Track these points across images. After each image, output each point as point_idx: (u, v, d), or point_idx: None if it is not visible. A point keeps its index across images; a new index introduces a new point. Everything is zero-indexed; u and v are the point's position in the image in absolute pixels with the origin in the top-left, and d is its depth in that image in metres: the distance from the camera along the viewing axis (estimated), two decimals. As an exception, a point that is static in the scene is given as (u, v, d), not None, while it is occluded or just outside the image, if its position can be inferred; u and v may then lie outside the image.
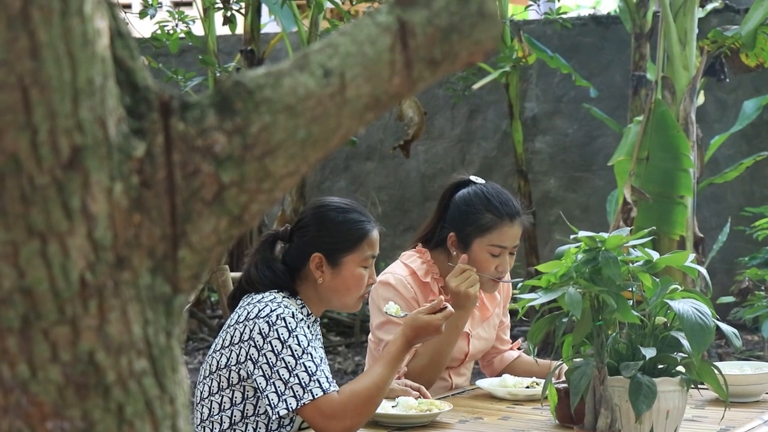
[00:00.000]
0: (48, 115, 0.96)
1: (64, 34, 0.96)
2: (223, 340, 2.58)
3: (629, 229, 2.59)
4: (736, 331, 2.48)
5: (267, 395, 2.48)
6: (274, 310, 2.53)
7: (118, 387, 1.00)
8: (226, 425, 2.58)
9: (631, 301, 2.39)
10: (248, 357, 2.52)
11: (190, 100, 1.04)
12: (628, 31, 6.56)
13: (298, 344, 2.49)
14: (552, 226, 7.54)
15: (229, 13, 6.16)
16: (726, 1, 6.92)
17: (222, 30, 6.93)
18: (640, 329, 2.43)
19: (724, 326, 2.45)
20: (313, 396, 2.45)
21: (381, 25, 1.06)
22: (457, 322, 3.02)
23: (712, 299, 2.54)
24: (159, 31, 5.98)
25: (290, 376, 2.47)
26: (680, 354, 2.42)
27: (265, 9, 7.02)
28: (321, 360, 2.53)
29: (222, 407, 2.58)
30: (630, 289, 2.41)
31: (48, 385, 0.98)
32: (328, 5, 5.78)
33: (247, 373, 2.53)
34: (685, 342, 2.36)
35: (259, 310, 2.53)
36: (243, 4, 6.44)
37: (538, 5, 6.69)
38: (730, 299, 5.72)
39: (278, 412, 2.46)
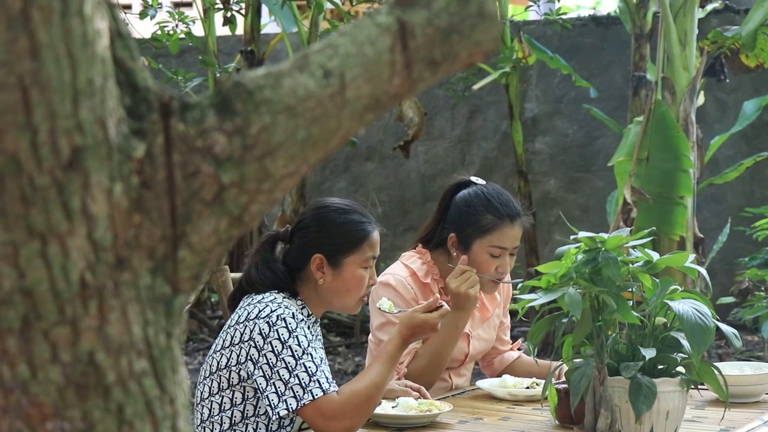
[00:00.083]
0: (48, 116, 0.96)
1: (64, 34, 0.96)
2: (224, 341, 2.58)
3: (629, 229, 2.60)
4: (736, 331, 2.48)
5: (267, 396, 2.48)
6: (275, 310, 2.53)
7: (118, 387, 1.00)
8: (226, 426, 2.58)
9: (631, 302, 2.39)
10: (248, 357, 2.52)
11: (190, 101, 1.04)
12: (628, 31, 6.56)
13: (299, 345, 2.49)
14: (552, 226, 7.54)
15: (229, 14, 6.16)
16: (726, 1, 6.92)
17: (222, 30, 6.93)
18: (640, 330, 2.43)
19: (724, 327, 2.45)
20: (313, 396, 2.45)
21: (381, 25, 1.06)
22: (458, 323, 3.02)
23: (712, 300, 2.54)
24: (159, 32, 5.98)
25: (290, 376, 2.47)
26: (680, 354, 2.42)
27: (265, 9, 7.03)
28: (321, 360, 2.53)
29: (222, 408, 2.58)
30: (630, 289, 2.41)
31: (48, 385, 0.98)
32: (328, 6, 5.78)
33: (248, 373, 2.53)
34: (685, 342, 2.36)
35: (260, 311, 2.53)
36: (243, 5, 6.44)
37: (538, 6, 6.69)
38: (730, 300, 5.72)
39: (278, 412, 2.46)
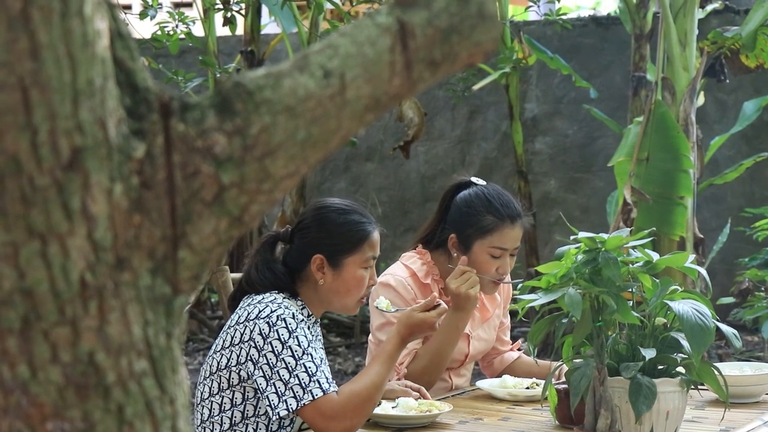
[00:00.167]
0: (48, 116, 0.96)
1: (65, 35, 0.96)
2: (224, 341, 2.58)
3: (629, 229, 2.60)
4: (736, 331, 2.49)
5: (267, 396, 2.48)
6: (275, 311, 2.53)
7: (118, 388, 1.00)
8: (226, 426, 2.58)
9: (631, 302, 2.39)
10: (248, 358, 2.52)
11: (190, 101, 1.05)
12: (628, 32, 6.56)
13: (299, 345, 2.49)
14: (552, 227, 7.54)
15: (229, 14, 6.16)
16: (726, 2, 6.92)
17: (222, 31, 6.93)
18: (640, 330, 2.43)
19: (724, 327, 2.45)
20: (313, 396, 2.45)
21: (381, 26, 1.06)
22: (458, 324, 3.02)
23: (712, 300, 2.54)
24: (159, 32, 5.98)
25: (290, 376, 2.47)
26: (680, 355, 2.42)
27: (265, 10, 7.03)
28: (321, 361, 2.53)
29: (222, 408, 2.58)
30: (630, 289, 2.41)
31: (48, 385, 0.98)
32: (328, 6, 5.78)
33: (248, 373, 2.53)
34: (685, 343, 2.36)
35: (260, 311, 2.54)
36: (243, 5, 6.44)
37: (539, 6, 6.69)
38: (730, 300, 5.72)
39: (278, 412, 2.46)
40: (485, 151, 7.88)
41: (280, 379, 2.47)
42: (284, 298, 2.61)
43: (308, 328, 2.61)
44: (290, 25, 6.66)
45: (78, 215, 0.98)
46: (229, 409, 2.57)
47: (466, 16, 1.06)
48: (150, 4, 5.77)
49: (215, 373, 2.58)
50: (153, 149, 1.02)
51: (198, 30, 6.67)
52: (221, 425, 2.58)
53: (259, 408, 2.56)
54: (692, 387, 2.44)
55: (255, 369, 2.50)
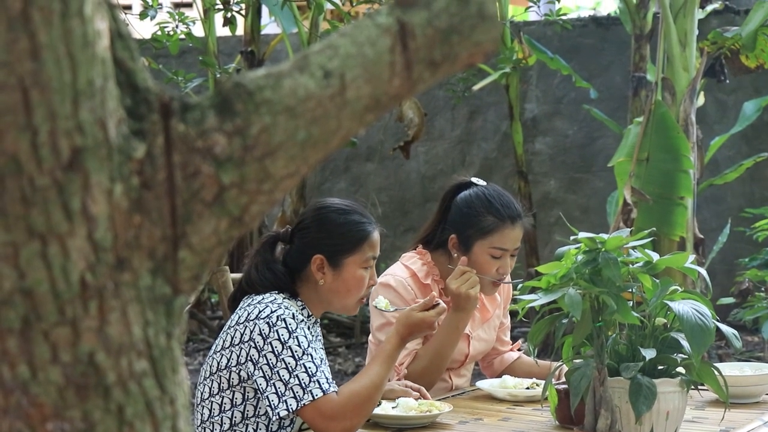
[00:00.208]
0: (48, 117, 0.96)
1: (65, 35, 0.96)
2: (224, 342, 2.58)
3: (629, 230, 2.60)
4: (736, 332, 2.49)
5: (267, 396, 2.48)
6: (275, 311, 2.53)
7: (118, 388, 1.00)
8: (226, 426, 2.58)
9: (631, 302, 2.39)
10: (248, 358, 2.52)
11: (190, 102, 1.05)
12: (628, 32, 6.56)
13: (299, 345, 2.49)
14: (552, 227, 7.54)
15: (229, 15, 6.16)
16: (726, 2, 6.92)
17: (222, 31, 6.93)
18: (640, 330, 2.43)
19: (724, 327, 2.45)
20: (312, 397, 2.45)
21: (381, 26, 1.06)
22: (458, 324, 3.02)
23: (712, 300, 2.54)
24: (159, 32, 5.98)
25: (290, 377, 2.47)
26: (680, 355, 2.42)
27: (265, 10, 7.03)
28: (321, 361, 2.53)
29: (222, 408, 2.58)
30: (630, 290, 2.41)
31: (48, 386, 0.98)
32: (329, 6, 5.78)
33: (248, 374, 2.53)
34: (685, 343, 2.37)
35: (260, 312, 2.54)
36: (243, 6, 6.44)
37: (539, 6, 6.69)
38: (730, 300, 5.72)
39: (278, 413, 2.46)
40: (485, 152, 7.88)
41: (280, 380, 2.47)
42: (284, 298, 2.61)
43: (308, 328, 2.61)
44: (290, 25, 6.66)
45: (78, 216, 0.98)
46: (229, 410, 2.57)
47: (466, 17, 1.06)
48: (150, 4, 5.77)
49: (215, 373, 2.58)
50: (153, 149, 1.02)
51: (198, 30, 6.68)
52: (221, 425, 2.58)
53: (259, 408, 2.56)
54: (692, 387, 2.44)
55: (255, 369, 2.50)
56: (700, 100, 6.02)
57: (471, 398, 3.07)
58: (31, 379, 0.98)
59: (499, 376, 3.25)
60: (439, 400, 2.89)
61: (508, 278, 3.18)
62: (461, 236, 3.12)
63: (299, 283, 2.67)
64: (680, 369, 2.43)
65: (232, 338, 2.55)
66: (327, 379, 2.50)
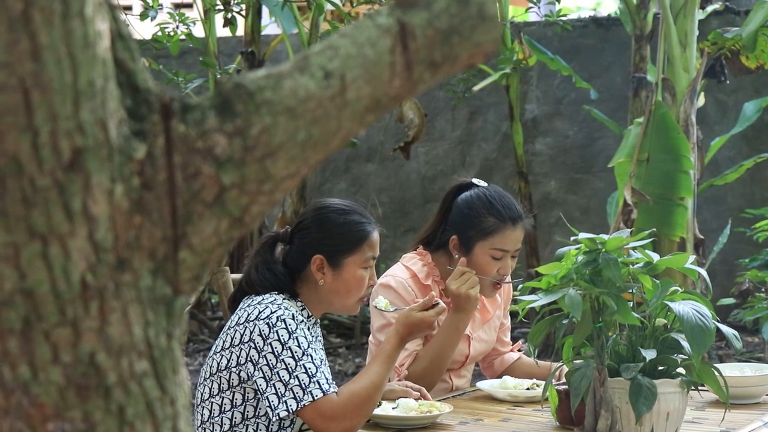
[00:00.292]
0: (49, 117, 0.96)
1: (66, 36, 0.96)
2: (224, 342, 2.58)
3: (629, 230, 2.60)
4: (736, 332, 2.49)
5: (267, 397, 2.48)
6: (275, 311, 2.53)
7: (119, 388, 1.00)
8: (226, 427, 2.58)
9: (632, 303, 2.40)
10: (248, 359, 2.52)
11: (190, 102, 1.05)
12: (628, 32, 6.56)
13: (298, 346, 2.49)
14: (552, 227, 7.54)
15: (229, 15, 6.16)
16: (726, 2, 6.93)
17: (222, 32, 6.93)
18: (641, 331, 2.43)
19: (724, 328, 2.45)
20: (312, 397, 2.45)
21: (381, 27, 1.06)
22: (458, 325, 3.02)
23: (713, 301, 2.54)
24: (159, 33, 5.98)
25: (290, 377, 2.47)
26: (680, 356, 2.42)
27: (265, 11, 7.03)
28: (321, 362, 2.53)
29: (222, 409, 2.58)
30: (630, 290, 2.41)
31: (49, 386, 0.98)
32: (329, 7, 5.78)
33: (248, 374, 2.53)
34: (685, 343, 2.37)
35: (260, 312, 2.54)
36: (243, 6, 6.44)
37: (539, 7, 6.69)
38: (730, 301, 5.72)
39: (278, 413, 2.46)
40: (485, 152, 7.88)
41: (280, 380, 2.47)
42: (284, 299, 2.61)
43: (308, 329, 2.61)
44: (291, 25, 6.66)
45: (79, 216, 0.98)
46: (229, 410, 2.57)
47: (466, 17, 1.06)
48: (150, 5, 5.77)
49: (215, 374, 2.58)
50: (154, 150, 1.02)
51: (198, 31, 6.68)
52: (221, 426, 2.58)
53: (259, 409, 2.56)
54: (692, 388, 2.44)
55: (255, 370, 2.50)
56: (701, 100, 6.02)
57: (471, 399, 3.07)
58: (32, 380, 0.98)
59: (500, 376, 3.25)
60: (439, 400, 2.89)
61: (507, 278, 3.18)
62: (462, 237, 3.12)
63: (299, 283, 2.67)
64: (680, 370, 2.43)
65: (232, 339, 2.55)
66: (327, 379, 2.50)
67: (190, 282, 1.05)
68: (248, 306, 2.58)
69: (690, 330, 2.30)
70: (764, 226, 4.59)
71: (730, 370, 2.97)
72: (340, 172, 8.23)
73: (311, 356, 2.49)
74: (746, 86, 7.10)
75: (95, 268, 0.99)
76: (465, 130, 7.94)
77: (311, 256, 2.64)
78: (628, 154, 5.66)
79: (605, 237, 2.36)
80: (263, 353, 2.49)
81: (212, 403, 2.59)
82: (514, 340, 3.49)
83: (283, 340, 2.49)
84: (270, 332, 2.50)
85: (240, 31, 6.87)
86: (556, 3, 6.69)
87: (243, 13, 6.52)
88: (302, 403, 2.45)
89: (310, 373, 2.47)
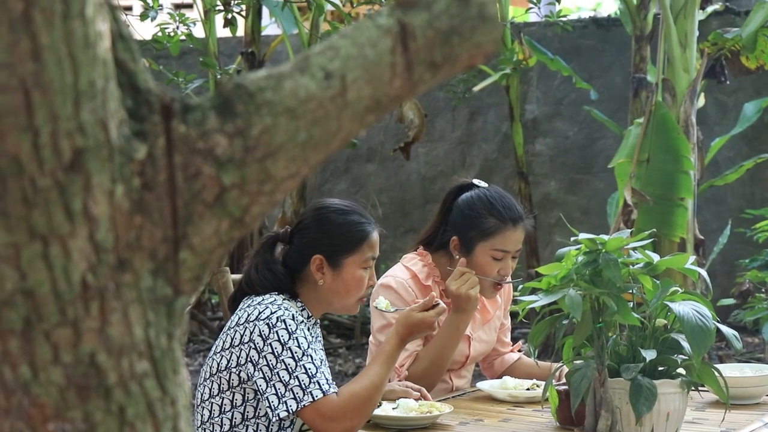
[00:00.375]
0: (50, 118, 0.96)
1: (66, 36, 0.96)
2: (224, 342, 2.58)
3: (630, 231, 2.60)
4: (736, 333, 2.49)
5: (267, 397, 2.48)
6: (275, 312, 2.53)
7: (119, 389, 1.00)
8: (226, 427, 2.58)
9: (632, 303, 2.40)
10: (248, 359, 2.52)
11: (191, 103, 1.05)
12: (628, 33, 6.56)
13: (298, 346, 2.49)
14: (552, 228, 7.54)
15: (229, 16, 6.16)
16: (726, 3, 6.93)
17: (223, 32, 6.93)
18: (641, 331, 2.43)
19: (724, 328, 2.45)
20: (312, 398, 2.45)
21: (382, 27, 1.06)
22: (458, 326, 3.02)
23: (713, 301, 2.54)
24: (160, 34, 5.98)
25: (290, 378, 2.47)
26: (681, 356, 2.42)
27: (265, 11, 7.03)
28: (321, 362, 2.53)
29: (222, 409, 2.58)
30: (630, 291, 2.42)
31: (49, 386, 0.98)
32: (329, 7, 5.78)
33: (248, 375, 2.53)
34: (685, 344, 2.37)
35: (260, 313, 2.54)
36: (244, 7, 6.44)
37: (539, 8, 6.69)
38: (730, 301, 5.72)
39: (278, 414, 2.46)
40: (485, 153, 7.88)
41: (280, 381, 2.47)
42: (284, 299, 2.61)
43: (308, 329, 2.61)
44: (291, 26, 6.66)
45: (79, 216, 0.98)
46: (230, 411, 2.57)
47: (466, 18, 1.06)
48: (150, 5, 5.78)
49: (215, 374, 2.58)
50: (154, 150, 1.02)
51: (198, 31, 6.68)
52: (221, 426, 2.58)
53: (259, 409, 2.56)
54: (693, 388, 2.44)
55: (255, 370, 2.50)
56: (701, 101, 6.02)
57: (471, 399, 3.07)
58: (33, 380, 0.98)
59: (500, 377, 3.25)
60: (439, 401, 2.90)
61: (507, 277, 3.19)
62: (463, 238, 3.12)
63: (299, 283, 2.67)
64: (681, 370, 2.43)
65: (232, 339, 2.55)
66: (327, 380, 2.50)
67: (190, 282, 1.05)
68: (248, 306, 2.58)
69: (690, 330, 2.30)
70: (764, 227, 4.59)
71: (730, 370, 2.97)
72: (340, 173, 8.23)
73: (311, 357, 2.49)
74: (746, 87, 7.11)
75: (96, 269, 0.99)
76: (465, 131, 7.94)
77: (311, 256, 2.64)
78: (628, 154, 5.66)
79: (605, 237, 2.36)
80: (263, 354, 2.49)
81: (212, 403, 2.59)
82: (514, 340, 3.49)
83: (283, 341, 2.49)
84: (270, 333, 2.50)
85: (240, 32, 6.87)
86: (557, 3, 6.69)
87: (243, 13, 6.52)
88: (302, 404, 2.45)
89: (310, 374, 2.47)
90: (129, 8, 8.80)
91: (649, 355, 2.34)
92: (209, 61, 6.27)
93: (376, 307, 2.94)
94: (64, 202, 0.97)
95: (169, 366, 1.04)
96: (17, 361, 0.97)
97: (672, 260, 2.46)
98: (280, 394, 2.47)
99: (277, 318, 2.51)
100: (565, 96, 7.65)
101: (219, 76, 6.26)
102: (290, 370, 2.47)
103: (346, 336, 7.39)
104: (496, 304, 3.30)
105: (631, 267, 2.41)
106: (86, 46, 0.98)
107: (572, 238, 2.39)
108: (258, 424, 2.57)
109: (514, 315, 3.42)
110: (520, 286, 2.51)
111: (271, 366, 2.48)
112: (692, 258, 2.50)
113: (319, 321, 2.73)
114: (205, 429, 2.60)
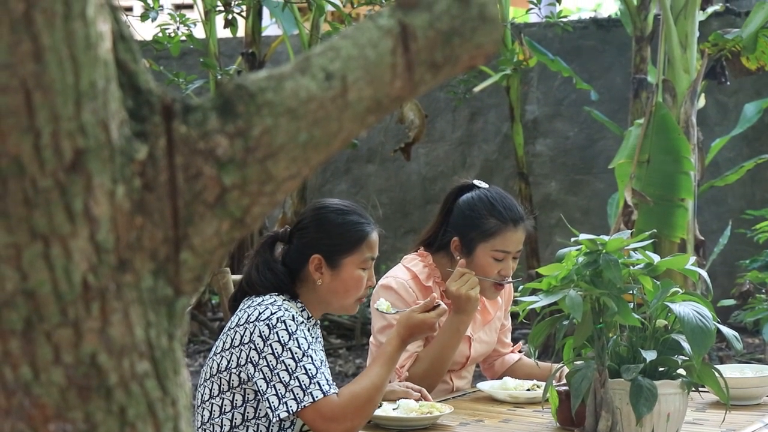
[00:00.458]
0: (51, 118, 0.96)
1: (67, 37, 0.96)
2: (224, 343, 2.58)
3: (630, 231, 2.60)
4: (736, 333, 2.49)
5: (267, 398, 2.48)
6: (275, 313, 2.53)
7: (120, 389, 1.00)
8: (226, 428, 2.58)
9: (632, 304, 2.40)
10: (249, 360, 2.52)
11: (192, 103, 1.05)
12: (629, 34, 6.56)
13: (299, 347, 2.49)
14: (553, 228, 7.54)
15: (230, 16, 6.16)
16: (727, 4, 6.92)
17: (223, 33, 6.93)
18: (641, 332, 2.43)
19: (724, 329, 2.45)
20: (313, 398, 2.45)
21: (382, 28, 1.06)
22: (459, 327, 3.02)
23: (713, 302, 2.54)
24: (160, 34, 5.98)
25: (290, 378, 2.47)
26: (681, 357, 2.42)
27: (266, 12, 7.03)
28: (321, 363, 2.53)
29: (223, 410, 2.58)
30: (631, 291, 2.42)
31: (50, 387, 0.98)
32: (329, 8, 5.78)
33: (248, 375, 2.53)
34: (685, 345, 2.37)
35: (260, 313, 2.54)
36: (244, 7, 6.44)
37: (539, 8, 6.69)
38: (730, 302, 5.72)
39: (279, 414, 2.46)
40: (486, 153, 7.88)
41: (280, 381, 2.47)
42: (284, 300, 2.61)
43: (308, 330, 2.61)
44: (291, 26, 6.66)
45: (80, 217, 0.98)
46: (230, 411, 2.57)
47: (467, 19, 1.06)
48: (151, 6, 5.78)
49: (215, 375, 2.59)
50: (155, 151, 1.02)
51: (199, 32, 6.68)
52: (221, 427, 2.58)
53: (260, 410, 2.56)
54: (693, 389, 2.44)
55: (255, 371, 2.50)
56: (701, 101, 6.02)
57: (472, 400, 3.08)
58: (34, 380, 0.98)
59: (500, 377, 3.25)
60: (440, 401, 2.90)
61: (507, 278, 3.19)
62: (463, 239, 3.12)
63: (298, 283, 2.67)
64: (681, 371, 2.43)
65: (232, 340, 2.56)
66: (327, 380, 2.50)
67: (191, 283, 1.05)
68: (248, 307, 2.58)
69: (690, 331, 2.31)
70: (764, 228, 4.59)
71: (730, 371, 2.97)
72: (340, 173, 8.23)
73: (311, 357, 2.49)
74: (747, 87, 7.11)
75: (97, 269, 0.99)
76: (465, 131, 7.94)
77: (310, 255, 2.64)
78: (629, 155, 5.66)
79: (606, 238, 2.36)
80: (263, 354, 2.49)
81: (212, 404, 2.59)
82: (514, 341, 3.49)
83: (283, 341, 2.49)
84: (270, 333, 2.50)
85: (240, 32, 6.87)
86: (557, 4, 6.69)
87: (243, 14, 6.52)
88: (302, 404, 2.45)
89: (310, 374, 2.47)
90: (129, 9, 8.80)
91: (650, 355, 2.34)
92: (210, 62, 6.27)
93: (377, 309, 2.94)
94: (65, 203, 0.97)
95: (170, 366, 1.04)
96: (18, 362, 0.98)
97: (672, 261, 2.46)
98: (280, 395, 2.47)
99: (277, 319, 2.51)
100: (565, 97, 7.65)
101: (219, 77, 6.26)
102: (290, 370, 2.47)
103: (347, 337, 7.39)
104: (496, 304, 3.30)
105: (631, 268, 2.41)
106: (87, 46, 0.98)
107: (573, 239, 2.40)
108: (258, 424, 2.57)
109: (514, 316, 3.43)
110: (521, 287, 2.51)
111: (271, 367, 2.48)
112: (692, 259, 2.50)
113: (319, 321, 2.73)
114: (205, 429, 2.60)
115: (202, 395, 2.62)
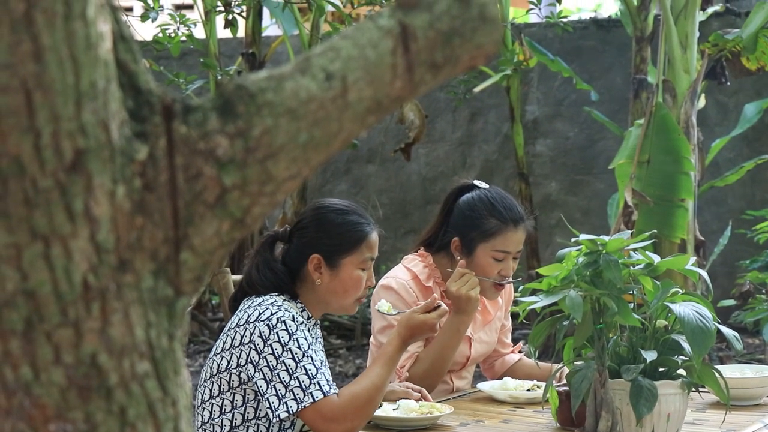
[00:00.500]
0: (51, 119, 0.96)
1: (68, 37, 0.96)
2: (224, 343, 2.58)
3: (630, 232, 2.60)
4: (737, 334, 2.49)
5: (268, 398, 2.48)
6: (275, 313, 2.53)
7: (120, 389, 1.00)
8: (227, 428, 2.58)
9: (632, 304, 2.40)
10: (249, 360, 2.52)
11: (192, 104, 1.05)
12: (629, 34, 6.56)
13: (299, 347, 2.49)
14: (553, 229, 7.54)
15: (230, 16, 6.16)
16: (727, 4, 6.92)
17: (223, 33, 6.93)
18: (641, 332, 2.43)
19: (725, 329, 2.45)
20: (313, 399, 2.45)
21: (383, 28, 1.06)
22: (459, 327, 3.02)
23: (713, 302, 2.54)
24: (160, 34, 5.98)
25: (291, 379, 2.47)
26: (681, 357, 2.42)
27: (266, 12, 7.03)
28: (321, 363, 2.53)
29: (223, 410, 2.58)
30: (631, 292, 2.42)
31: (51, 387, 0.98)
32: (330, 8, 5.78)
33: (248, 376, 2.53)
34: (686, 345, 2.37)
35: (260, 314, 2.54)
36: (244, 7, 6.44)
37: (540, 9, 6.69)
38: (731, 302, 5.72)
39: (279, 415, 2.46)
40: (486, 154, 7.88)
41: (281, 382, 2.47)
42: (284, 300, 2.61)
43: (308, 330, 2.61)
44: (291, 27, 6.66)
45: (81, 217, 0.98)
46: (230, 412, 2.57)
47: (467, 19, 1.06)
48: (151, 6, 5.78)
49: (216, 375, 2.59)
50: (155, 151, 1.02)
51: (199, 32, 6.68)
52: (222, 427, 2.58)
53: (260, 410, 2.56)
54: (693, 389, 2.44)
55: (255, 371, 2.50)
56: (701, 102, 6.02)
57: (472, 400, 3.08)
58: (34, 381, 0.98)
59: (500, 378, 3.25)
60: (440, 401, 2.90)
61: (507, 279, 3.19)
62: (464, 239, 3.12)
63: (298, 283, 2.67)
64: (681, 371, 2.43)
65: (233, 340, 2.56)
66: (327, 380, 2.50)
67: (191, 283, 1.05)
68: (248, 308, 2.58)
69: (691, 331, 2.31)
70: (765, 228, 4.59)
71: (730, 371, 2.97)
72: (340, 174, 8.23)
73: (311, 357, 2.49)
74: (747, 88, 7.11)
75: (97, 269, 0.99)
76: (465, 132, 7.94)
77: (309, 255, 2.64)
78: (629, 155, 5.66)
79: (606, 238, 2.37)
80: (263, 355, 2.49)
81: (212, 404, 2.59)
82: (514, 341, 3.49)
83: (283, 342, 2.49)
84: (270, 334, 2.50)
85: (241, 33, 6.88)
86: (557, 4, 6.69)
87: (244, 14, 6.52)
88: (303, 405, 2.45)
89: (310, 375, 2.47)
90: (130, 9, 8.80)
91: (650, 356, 2.34)
92: (210, 62, 6.27)
93: (378, 310, 2.94)
94: (65, 203, 0.97)
95: (170, 367, 1.04)
96: (18, 362, 0.98)
97: (672, 261, 2.46)
98: (280, 395, 2.47)
99: (278, 319, 2.51)
100: (565, 97, 7.65)
101: (220, 77, 6.26)
102: (290, 371, 2.47)
103: (347, 337, 7.39)
104: (496, 305, 3.30)
105: (631, 268, 2.41)
106: (88, 47, 0.98)
107: (573, 239, 2.40)
108: (258, 425, 2.57)
109: (514, 316, 3.43)
110: (521, 287, 2.51)
111: (271, 367, 2.48)
112: (693, 259, 2.50)
113: (319, 322, 2.73)
114: (205, 430, 2.60)
115: (202, 395, 2.62)
